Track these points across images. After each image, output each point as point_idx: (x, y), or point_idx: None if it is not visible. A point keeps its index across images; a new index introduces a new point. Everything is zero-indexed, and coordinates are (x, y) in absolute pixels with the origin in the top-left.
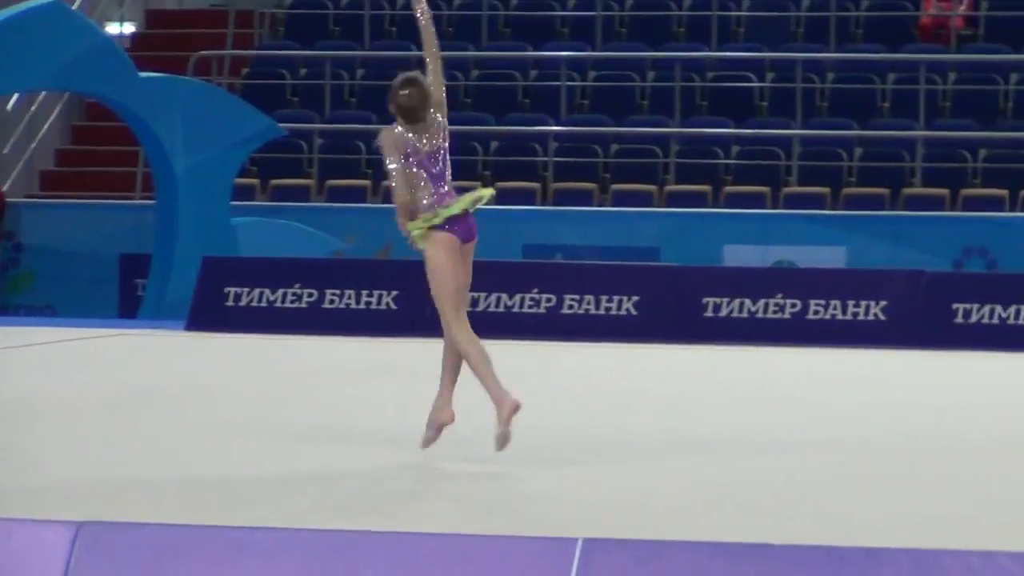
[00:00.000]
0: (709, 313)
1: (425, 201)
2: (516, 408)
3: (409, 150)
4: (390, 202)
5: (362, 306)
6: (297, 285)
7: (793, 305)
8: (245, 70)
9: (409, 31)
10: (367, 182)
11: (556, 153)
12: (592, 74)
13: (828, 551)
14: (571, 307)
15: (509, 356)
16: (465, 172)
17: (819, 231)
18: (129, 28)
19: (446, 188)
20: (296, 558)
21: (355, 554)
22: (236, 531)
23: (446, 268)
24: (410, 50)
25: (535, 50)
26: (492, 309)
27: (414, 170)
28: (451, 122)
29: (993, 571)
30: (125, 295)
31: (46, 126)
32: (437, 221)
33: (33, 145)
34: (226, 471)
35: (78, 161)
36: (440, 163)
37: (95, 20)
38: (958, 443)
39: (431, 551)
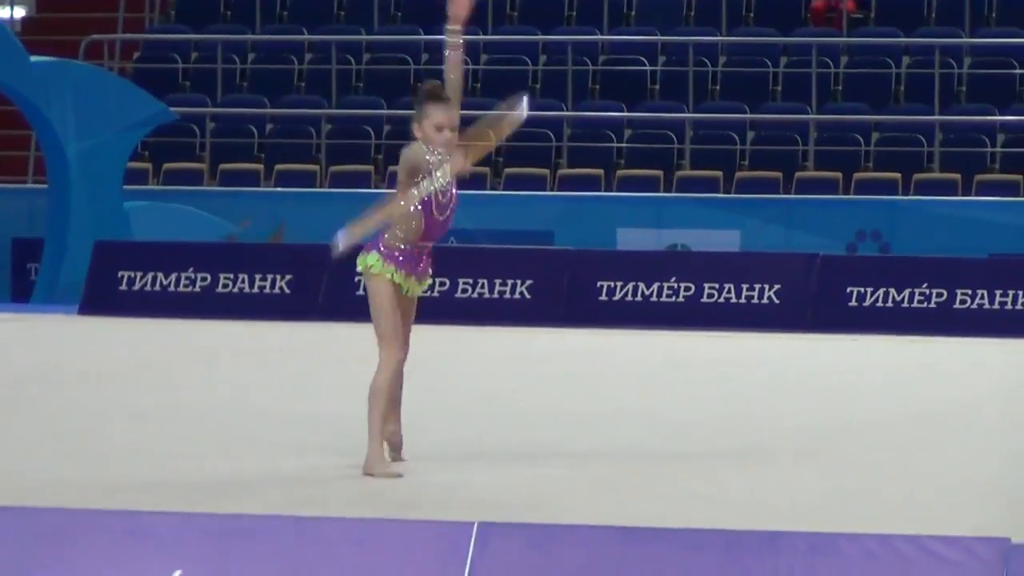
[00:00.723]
0: (603, 297)
1: (400, 237)
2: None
3: (424, 175)
4: (281, 186)
5: (255, 290)
6: (190, 269)
7: (687, 288)
8: (136, 54)
9: (300, 14)
10: (259, 166)
11: None
12: (484, 57)
13: (725, 535)
14: (465, 291)
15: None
16: (359, 156)
17: (713, 215)
18: (20, 12)
19: (427, 254)
20: (194, 543)
21: (251, 538)
22: (132, 515)
23: (386, 308)
24: (301, 33)
25: (427, 34)
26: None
27: (415, 193)
28: (342, 106)
29: (889, 554)
30: (18, 279)
31: None
32: (388, 278)
33: None
34: (121, 455)
35: None
36: (446, 214)
37: None
38: (850, 424)
39: (330, 535)
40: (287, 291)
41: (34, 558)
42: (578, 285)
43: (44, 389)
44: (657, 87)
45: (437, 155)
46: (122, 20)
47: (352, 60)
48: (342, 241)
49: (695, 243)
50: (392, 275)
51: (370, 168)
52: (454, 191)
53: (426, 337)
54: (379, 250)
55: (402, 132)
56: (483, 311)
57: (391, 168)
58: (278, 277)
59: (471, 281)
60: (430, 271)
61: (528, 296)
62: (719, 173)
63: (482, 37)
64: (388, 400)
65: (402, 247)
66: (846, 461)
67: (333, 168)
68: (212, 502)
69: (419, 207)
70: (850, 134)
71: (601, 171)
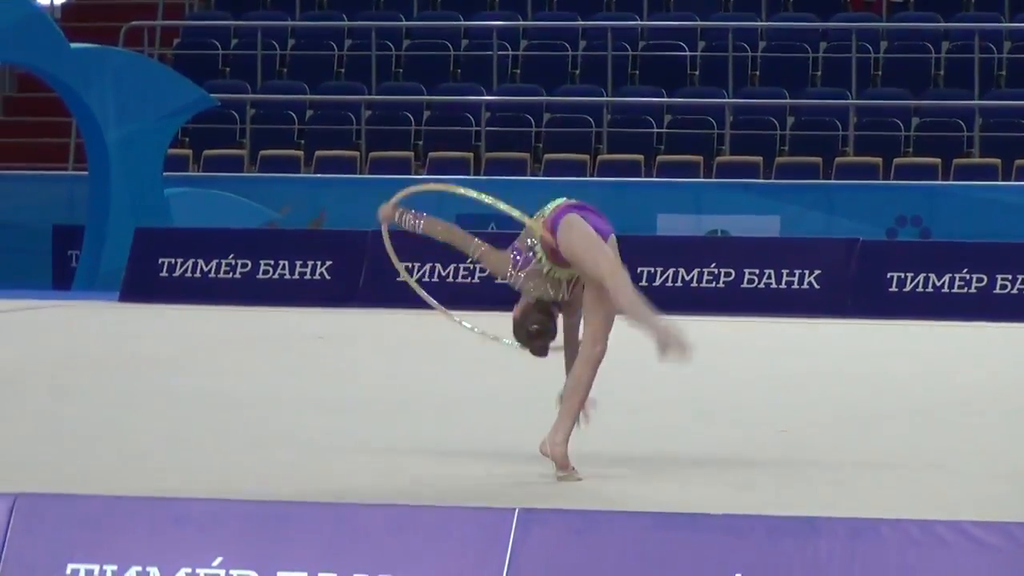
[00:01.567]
0: (643, 282)
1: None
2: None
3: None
4: (321, 172)
5: (296, 276)
6: (231, 256)
7: (728, 274)
8: (176, 40)
9: (339, 1)
10: (299, 152)
11: (489, 123)
12: (523, 43)
13: (765, 520)
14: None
15: (443, 327)
16: (399, 142)
17: (753, 200)
18: None
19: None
20: (233, 528)
21: (291, 525)
22: (173, 502)
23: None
24: (341, 20)
25: (466, 20)
26: (426, 279)
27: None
28: (382, 92)
29: (929, 539)
30: (59, 266)
31: None
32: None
33: None
34: (163, 442)
35: (10, 132)
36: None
37: None
38: (890, 409)
39: (369, 522)
40: (327, 277)
41: (75, 545)
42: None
43: (85, 376)
44: (697, 73)
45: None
46: (162, 6)
47: (392, 46)
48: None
49: (735, 229)
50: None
51: (410, 154)
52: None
53: (471, 322)
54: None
55: (441, 118)
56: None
57: (431, 154)
58: (318, 263)
59: None
60: None
61: None
62: (759, 159)
63: (522, 23)
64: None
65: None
66: (885, 447)
67: (373, 154)
68: (253, 489)
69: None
70: (890, 119)
71: (641, 157)
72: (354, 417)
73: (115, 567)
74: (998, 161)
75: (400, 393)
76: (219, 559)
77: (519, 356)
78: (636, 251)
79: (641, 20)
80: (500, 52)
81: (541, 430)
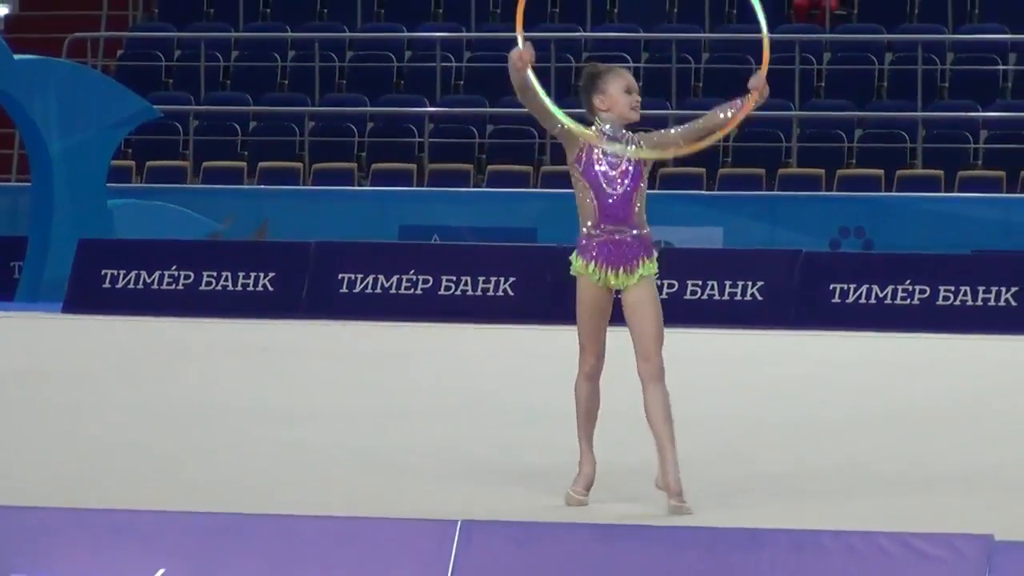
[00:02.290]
0: None
1: (587, 224)
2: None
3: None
4: (265, 183)
5: (239, 288)
6: (174, 267)
7: (671, 285)
8: (120, 52)
9: (283, 12)
10: (243, 164)
11: (432, 134)
12: (467, 55)
13: (708, 532)
14: (448, 288)
15: (385, 338)
16: (342, 153)
17: (696, 212)
18: (3, 9)
19: (628, 239)
20: (175, 540)
21: (233, 537)
22: (115, 513)
23: (580, 311)
24: (284, 31)
25: (410, 31)
26: (368, 291)
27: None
28: (325, 103)
29: (873, 550)
30: (1, 277)
31: None
32: (587, 277)
33: None
34: (104, 454)
35: None
36: (619, 190)
37: None
38: (832, 421)
39: (311, 534)
40: (271, 288)
41: (15, 557)
42: (561, 282)
43: (27, 388)
44: (640, 84)
45: (611, 130)
46: (105, 18)
47: (335, 57)
48: None
49: (679, 240)
50: (589, 270)
51: (353, 166)
52: (630, 167)
53: (407, 335)
54: (579, 246)
55: (385, 129)
56: (466, 309)
57: (374, 165)
58: (261, 275)
59: (454, 279)
60: (643, 260)
61: (511, 293)
62: (702, 170)
63: (465, 35)
64: (584, 415)
65: (590, 235)
66: (827, 459)
67: (316, 165)
68: (195, 500)
69: (587, 185)
70: (833, 131)
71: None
72: (298, 428)
73: None
74: (941, 172)
75: (343, 404)
76: (160, 571)
77: (463, 366)
78: None
79: (584, 32)
80: (443, 64)
81: (486, 439)
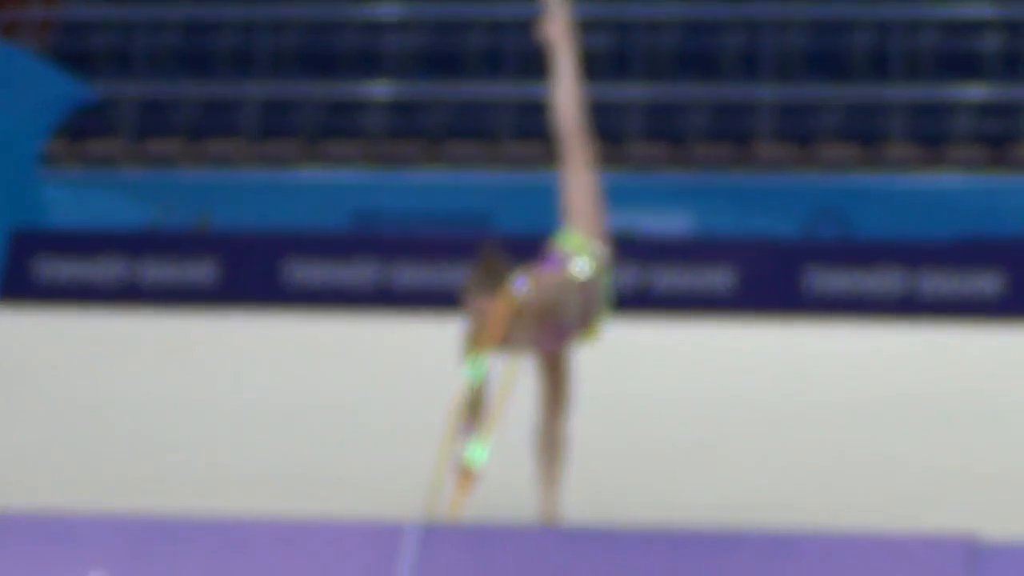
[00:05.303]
0: None
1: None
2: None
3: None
4: (206, 167)
5: (180, 278)
6: (112, 257)
7: (637, 274)
8: (54, 31)
9: None
10: (182, 147)
11: (381, 115)
12: (418, 34)
13: (673, 535)
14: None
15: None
16: (286, 135)
17: (664, 196)
18: None
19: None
20: (111, 544)
21: (175, 540)
22: (45, 516)
23: None
24: (225, 10)
25: (356, 8)
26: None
27: None
28: (269, 84)
29: (852, 552)
30: None
31: None
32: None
33: None
34: (39, 453)
35: None
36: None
37: None
38: (808, 411)
39: (256, 537)
40: (213, 279)
41: None
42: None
43: None
44: (600, 63)
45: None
46: None
47: (278, 37)
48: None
49: (645, 226)
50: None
51: (296, 147)
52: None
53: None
54: None
55: (329, 111)
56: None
57: (319, 146)
58: (203, 265)
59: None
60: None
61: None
62: (669, 151)
63: (416, 13)
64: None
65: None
66: (804, 450)
67: (259, 148)
68: (134, 502)
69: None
70: (808, 109)
71: (542, 148)
72: (240, 425)
73: None
74: (921, 152)
75: (287, 399)
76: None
77: (408, 360)
78: (540, 250)
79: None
80: (392, 42)
81: (436, 438)
